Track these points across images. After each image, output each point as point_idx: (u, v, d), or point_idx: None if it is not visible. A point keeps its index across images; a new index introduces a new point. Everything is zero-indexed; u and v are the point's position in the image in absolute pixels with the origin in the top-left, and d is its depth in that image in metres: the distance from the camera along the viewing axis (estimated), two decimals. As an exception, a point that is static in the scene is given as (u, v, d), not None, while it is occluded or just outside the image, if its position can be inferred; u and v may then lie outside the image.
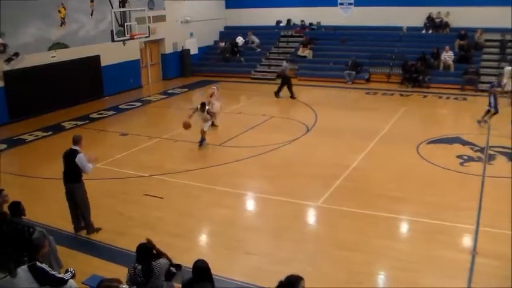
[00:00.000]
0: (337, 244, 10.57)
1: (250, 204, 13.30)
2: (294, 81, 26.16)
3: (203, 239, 11.56)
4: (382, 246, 10.46)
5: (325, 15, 33.20)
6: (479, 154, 15.88)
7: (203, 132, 17.13)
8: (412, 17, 30.48)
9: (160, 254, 7.39)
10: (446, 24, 30.28)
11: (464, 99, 24.18)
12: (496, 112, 18.61)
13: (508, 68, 24.32)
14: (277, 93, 24.83)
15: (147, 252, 7.16)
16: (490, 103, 18.71)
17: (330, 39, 32.34)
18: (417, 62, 27.08)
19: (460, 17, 29.25)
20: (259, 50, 33.03)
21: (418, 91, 25.75)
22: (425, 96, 24.68)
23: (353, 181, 13.98)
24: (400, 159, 15.58)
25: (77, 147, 10.60)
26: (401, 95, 25.34)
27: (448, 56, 27.48)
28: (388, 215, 11.80)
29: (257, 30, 33.86)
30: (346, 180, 14.04)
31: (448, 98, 24.36)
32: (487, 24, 28.16)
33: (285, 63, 25.52)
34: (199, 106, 17.06)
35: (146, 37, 26.03)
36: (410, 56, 27.96)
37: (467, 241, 10.73)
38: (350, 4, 32.75)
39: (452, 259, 9.85)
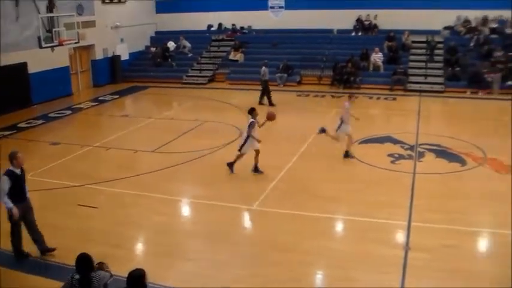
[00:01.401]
0: (274, 246, 10.56)
1: (186, 210, 13.20)
2: (224, 85, 26.18)
3: (140, 247, 11.30)
4: (317, 246, 10.53)
5: (256, 19, 33.42)
6: (409, 152, 16.26)
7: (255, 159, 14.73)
8: (342, 20, 31.09)
9: (101, 268, 7.17)
10: (375, 27, 31.02)
11: (394, 99, 24.76)
12: None
13: None
14: (260, 101, 23.86)
15: (87, 262, 6.93)
16: None
17: (261, 42, 32.47)
18: (347, 64, 27.53)
19: (388, 19, 30.12)
20: (190, 54, 32.83)
21: (349, 92, 26.02)
22: (356, 97, 25.02)
23: (288, 183, 14.03)
24: (333, 159, 15.74)
25: (11, 167, 9.90)
26: (332, 96, 25.70)
27: (377, 57, 28.14)
28: (323, 215, 11.89)
29: (188, 34, 33.72)
30: (281, 182, 14.07)
31: (378, 98, 24.88)
32: (414, 26, 29.11)
33: (264, 68, 24.54)
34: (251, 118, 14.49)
35: (75, 43, 25.52)
36: (340, 57, 28.44)
37: (400, 237, 10.93)
38: (281, 7, 33.06)
39: (386, 255, 10.04)
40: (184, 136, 18.77)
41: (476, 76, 25.89)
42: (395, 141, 17.22)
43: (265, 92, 23.92)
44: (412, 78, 27.01)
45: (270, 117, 14.81)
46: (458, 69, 26.84)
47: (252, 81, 27.77)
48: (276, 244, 10.64)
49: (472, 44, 28.47)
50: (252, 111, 14.54)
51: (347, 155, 15.91)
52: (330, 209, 12.21)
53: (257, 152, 14.49)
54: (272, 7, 33.27)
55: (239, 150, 14.67)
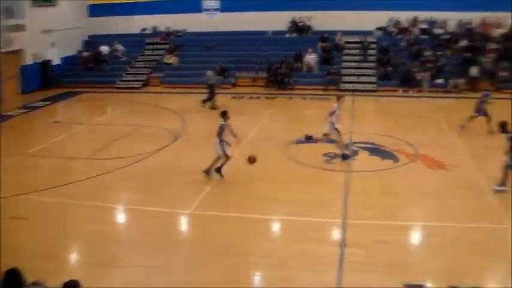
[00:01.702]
0: (213, 249, 10.46)
1: (122, 217, 12.90)
2: (159, 89, 25.75)
3: (76, 257, 10.93)
4: (257, 247, 10.52)
5: (191, 22, 33.18)
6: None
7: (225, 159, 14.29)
8: (277, 21, 31.20)
9: (36, 283, 6.86)
10: (309, 28, 31.31)
11: (328, 99, 24.98)
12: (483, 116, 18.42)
13: None
14: (204, 101, 23.47)
15: (15, 277, 6.59)
16: (479, 110, 18.56)
17: (197, 45, 32.26)
18: (281, 65, 27.68)
19: (322, 21, 30.51)
20: (124, 58, 32.30)
21: (284, 93, 26.36)
22: (290, 98, 25.30)
23: (225, 185, 13.93)
24: (269, 160, 15.66)
25: None
26: (267, 97, 25.79)
27: (311, 58, 28.41)
28: (261, 216, 11.89)
29: (122, 38, 33.17)
30: (217, 184, 13.95)
31: (312, 98, 25.14)
32: (347, 27, 29.61)
33: (209, 72, 24.26)
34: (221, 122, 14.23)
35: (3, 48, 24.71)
36: (275, 59, 28.56)
37: (336, 234, 11.07)
38: (216, 10, 32.99)
39: (324, 253, 10.13)
40: (118, 142, 18.43)
41: (407, 75, 26.64)
42: (330, 141, 17.36)
43: (212, 95, 23.54)
44: (345, 78, 27.51)
45: (251, 161, 14.10)
46: (390, 68, 27.54)
47: (187, 84, 27.74)
48: (215, 247, 10.53)
49: (403, 44, 29.30)
50: (224, 114, 14.30)
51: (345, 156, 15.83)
52: (268, 210, 12.22)
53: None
54: (207, 9, 33.17)
55: (224, 154, 14.12)
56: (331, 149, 16.54)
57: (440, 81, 26.73)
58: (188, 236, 11.82)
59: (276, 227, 11.88)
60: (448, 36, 29.69)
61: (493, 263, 10.04)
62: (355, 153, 16.26)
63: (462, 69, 26.98)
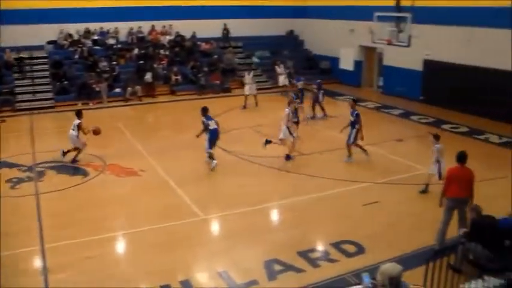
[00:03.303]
0: None
1: None
2: None
3: None
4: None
5: None
6: (28, 173, 15.61)
7: None
8: None
9: None
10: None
11: (3, 121, 23.39)
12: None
13: (278, 69, 28.60)
14: None
15: None
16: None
17: None
18: None
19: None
20: None
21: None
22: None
23: None
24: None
25: None
26: None
27: (-23, 79, 26.23)
28: None
29: None
30: None
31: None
32: (15, 42, 28.13)
33: None
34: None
35: None
36: None
37: (37, 263, 10.40)
38: None
39: (27, 285, 9.40)
40: None
41: (85, 87, 26.50)
42: (11, 165, 16.30)
43: None
44: (20, 97, 26.06)
45: (97, 133, 16.89)
46: (66, 82, 27.08)
47: None
48: None
49: (76, 57, 29.05)
50: (79, 113, 16.75)
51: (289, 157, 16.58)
52: None
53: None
54: None
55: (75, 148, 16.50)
56: (14, 173, 15.59)
57: (118, 90, 27.29)
58: None
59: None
60: (120, 46, 30.45)
61: (198, 254, 10.68)
62: (42, 174, 15.50)
63: (138, 77, 27.89)
